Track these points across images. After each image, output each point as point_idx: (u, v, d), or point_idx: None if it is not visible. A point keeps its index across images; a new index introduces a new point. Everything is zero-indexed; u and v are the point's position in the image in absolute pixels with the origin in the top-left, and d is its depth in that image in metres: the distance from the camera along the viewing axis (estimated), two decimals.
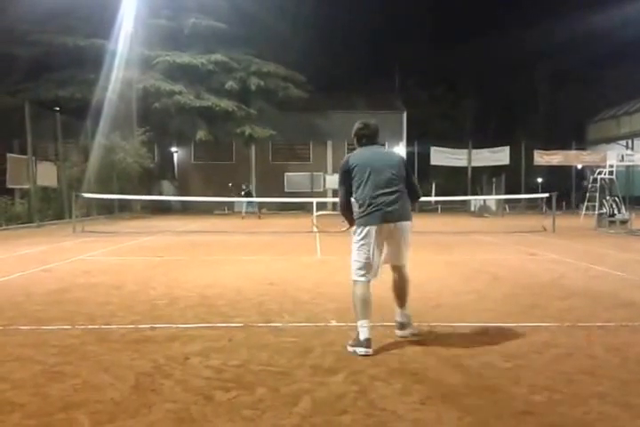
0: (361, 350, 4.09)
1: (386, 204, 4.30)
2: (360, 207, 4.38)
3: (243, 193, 25.99)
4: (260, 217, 25.33)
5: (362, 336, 4.15)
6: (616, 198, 17.30)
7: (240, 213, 26.62)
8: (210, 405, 3.19)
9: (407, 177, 4.50)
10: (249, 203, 25.87)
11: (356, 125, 4.64)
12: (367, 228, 4.31)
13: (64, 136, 21.85)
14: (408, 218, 4.43)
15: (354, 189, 4.42)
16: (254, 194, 28.05)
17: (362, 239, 4.31)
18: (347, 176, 4.45)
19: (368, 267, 4.30)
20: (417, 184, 4.65)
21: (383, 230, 4.32)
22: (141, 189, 27.34)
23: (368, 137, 4.60)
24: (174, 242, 13.53)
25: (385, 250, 4.44)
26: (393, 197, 4.33)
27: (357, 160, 4.45)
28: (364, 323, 4.19)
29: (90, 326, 4.96)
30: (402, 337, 4.51)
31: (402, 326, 4.56)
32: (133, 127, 26.46)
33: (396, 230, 4.35)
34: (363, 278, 4.31)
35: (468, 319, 5.18)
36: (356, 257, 4.35)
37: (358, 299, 4.28)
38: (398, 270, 4.55)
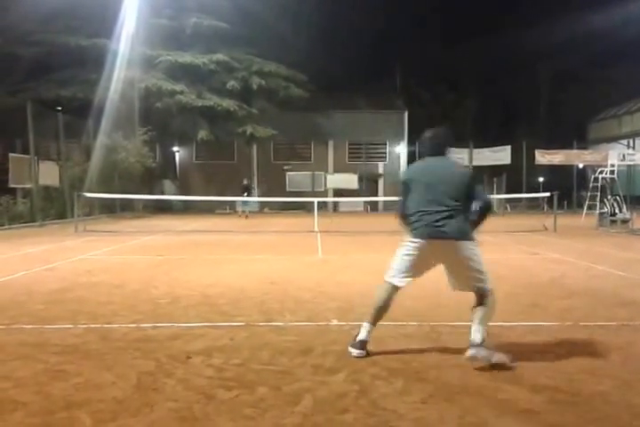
0: (353, 352, 4.08)
1: (431, 220, 4.04)
2: (409, 219, 4.19)
3: (242, 189, 25.58)
4: (246, 217, 24.83)
5: (359, 337, 4.13)
6: (617, 198, 17.30)
7: (239, 212, 26.42)
8: (211, 404, 3.20)
9: (471, 192, 4.14)
10: (244, 202, 25.72)
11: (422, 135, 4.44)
12: (412, 240, 4.12)
13: (66, 136, 21.86)
14: (458, 237, 4.02)
15: (407, 200, 4.24)
16: (254, 190, 27.41)
17: (406, 248, 4.16)
18: (404, 187, 4.28)
19: (399, 273, 4.17)
20: (483, 196, 4.23)
21: (428, 248, 4.07)
22: (143, 188, 27.38)
23: (427, 148, 4.41)
24: (176, 241, 13.55)
25: (446, 275, 4.23)
26: (439, 215, 4.03)
27: (412, 173, 4.38)
28: (367, 326, 4.14)
29: (92, 325, 4.97)
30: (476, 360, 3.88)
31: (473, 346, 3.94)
32: (135, 127, 26.46)
33: (443, 249, 4.06)
34: (391, 280, 4.18)
35: (469, 319, 5.17)
36: (395, 261, 4.22)
37: (375, 300, 4.21)
38: (477, 295, 4.15)
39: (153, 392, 3.37)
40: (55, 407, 3.14)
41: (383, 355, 4.09)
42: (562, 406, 3.17)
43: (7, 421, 2.98)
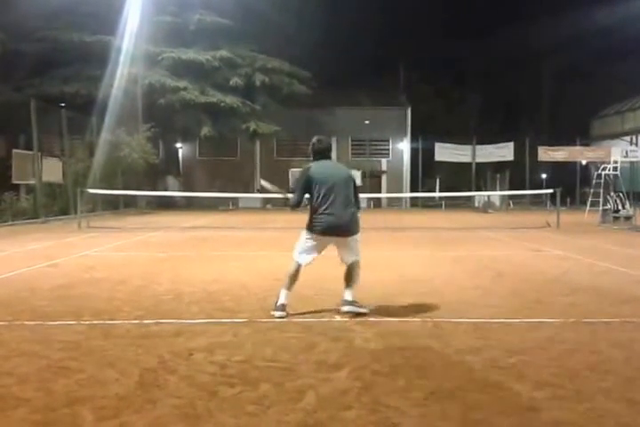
0: (277, 313, 5.02)
1: (338, 219, 5.02)
2: (314, 214, 5.07)
3: None
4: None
5: (279, 302, 5.08)
6: (620, 194, 17.26)
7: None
8: (214, 400, 3.20)
9: (354, 191, 5.30)
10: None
11: (312, 141, 5.32)
12: (314, 234, 5.11)
13: (69, 132, 21.86)
14: (356, 232, 5.20)
15: (314, 198, 5.04)
16: None
17: (308, 238, 5.20)
18: (307, 184, 5.05)
19: (303, 255, 5.20)
20: (359, 197, 5.47)
21: (329, 239, 5.16)
22: (146, 184, 27.39)
23: (322, 152, 5.32)
24: (179, 238, 13.55)
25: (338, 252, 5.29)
26: (347, 214, 5.08)
27: (319, 172, 5.09)
28: (285, 292, 5.12)
29: (95, 322, 4.98)
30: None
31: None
32: (138, 123, 26.47)
33: (343, 241, 5.18)
34: (299, 260, 5.20)
35: (473, 315, 5.18)
36: (299, 246, 5.25)
37: (287, 272, 5.21)
38: (350, 266, 5.32)
39: (156, 389, 3.37)
40: (58, 404, 3.14)
41: (386, 351, 4.09)
42: (564, 403, 3.16)
43: (10, 417, 2.98)
